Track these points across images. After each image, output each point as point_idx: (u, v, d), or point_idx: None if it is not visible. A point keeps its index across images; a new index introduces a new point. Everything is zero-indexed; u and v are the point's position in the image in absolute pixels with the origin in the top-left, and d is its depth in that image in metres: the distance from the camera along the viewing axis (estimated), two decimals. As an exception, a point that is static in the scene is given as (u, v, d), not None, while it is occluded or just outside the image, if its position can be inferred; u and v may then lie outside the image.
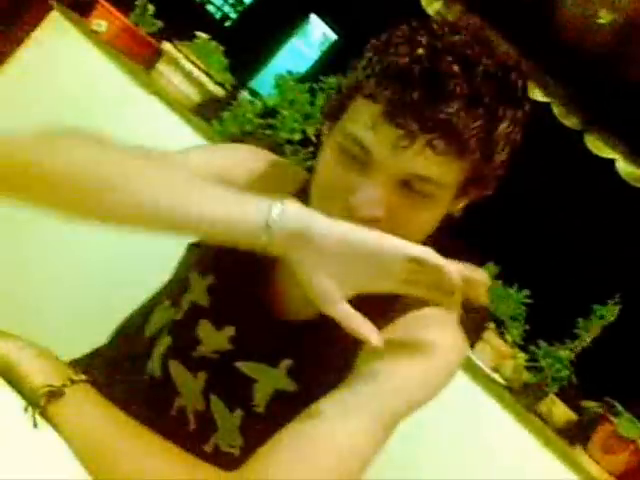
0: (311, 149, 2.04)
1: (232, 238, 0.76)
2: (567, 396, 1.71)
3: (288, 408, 0.81)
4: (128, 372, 1.00)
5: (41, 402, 0.72)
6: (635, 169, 2.71)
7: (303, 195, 0.90)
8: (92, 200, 0.79)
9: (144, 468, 0.73)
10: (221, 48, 2.06)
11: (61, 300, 1.70)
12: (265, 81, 2.14)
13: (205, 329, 0.95)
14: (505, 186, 1.12)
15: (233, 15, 2.17)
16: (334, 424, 0.77)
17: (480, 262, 1.81)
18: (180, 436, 0.77)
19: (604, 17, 2.55)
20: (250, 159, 1.03)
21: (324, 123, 0.93)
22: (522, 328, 1.77)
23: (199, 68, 1.99)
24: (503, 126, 0.81)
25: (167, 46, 1.99)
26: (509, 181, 1.13)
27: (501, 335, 1.71)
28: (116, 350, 1.08)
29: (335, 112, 0.88)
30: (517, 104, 0.83)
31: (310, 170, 0.94)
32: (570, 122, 2.82)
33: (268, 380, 0.92)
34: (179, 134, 1.88)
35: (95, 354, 1.11)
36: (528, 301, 1.77)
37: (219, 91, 2.05)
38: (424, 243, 0.86)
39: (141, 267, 1.54)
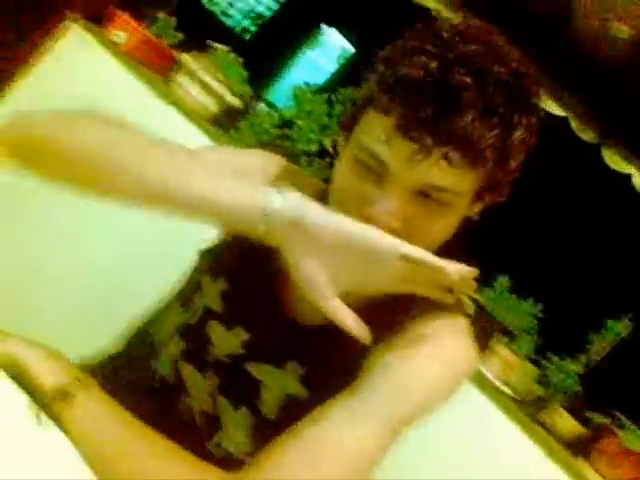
0: (327, 160, 2.05)
1: (231, 223, 0.77)
2: (573, 408, 1.70)
3: (297, 412, 0.81)
4: (136, 374, 1.02)
5: (49, 402, 0.74)
6: (652, 184, 2.70)
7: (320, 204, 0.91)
8: (103, 178, 0.81)
9: (149, 469, 0.74)
10: (239, 60, 2.08)
11: (65, 300, 1.71)
12: (282, 93, 2.15)
13: (218, 333, 0.96)
14: (520, 199, 1.12)
15: (252, 28, 2.19)
16: (341, 428, 0.77)
17: (493, 275, 1.82)
18: (186, 438, 0.79)
19: (620, 30, 2.54)
20: (267, 163, 1.04)
21: (340, 134, 0.94)
22: (533, 341, 1.76)
23: (217, 79, 2.00)
24: (518, 133, 0.81)
25: (185, 57, 2.01)
26: (524, 194, 1.13)
27: (511, 348, 1.71)
28: (126, 352, 1.10)
29: (350, 124, 0.89)
30: (531, 110, 0.83)
31: (326, 181, 0.95)
32: (587, 136, 2.81)
33: (279, 385, 0.92)
34: (196, 144, 1.88)
35: (103, 356, 1.12)
36: (540, 315, 1.77)
37: (236, 102, 2.07)
38: (440, 248, 0.88)
39: (145, 268, 1.55)
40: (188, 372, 0.97)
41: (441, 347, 0.88)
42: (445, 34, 0.82)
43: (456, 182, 0.81)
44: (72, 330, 1.44)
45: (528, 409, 1.62)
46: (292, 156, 2.09)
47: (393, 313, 0.89)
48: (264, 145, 2.03)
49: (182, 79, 2.00)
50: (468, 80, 0.77)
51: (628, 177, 2.70)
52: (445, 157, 0.78)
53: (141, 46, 1.98)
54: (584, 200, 2.93)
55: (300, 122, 2.10)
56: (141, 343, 1.05)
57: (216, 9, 2.20)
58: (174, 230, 1.43)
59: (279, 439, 0.77)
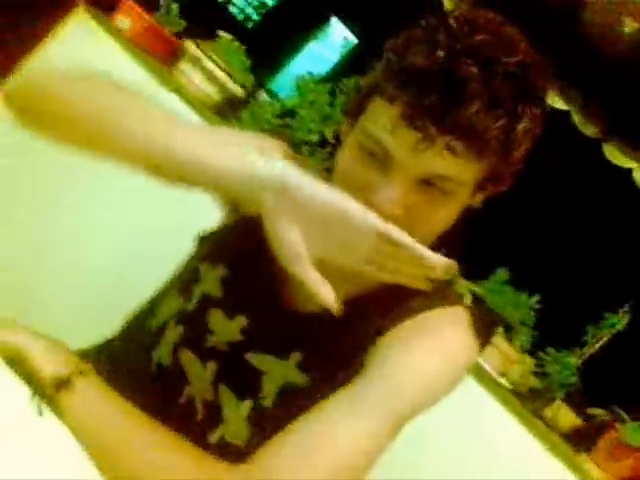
0: (328, 150, 2.05)
1: (219, 186, 0.77)
2: (573, 402, 1.70)
3: (298, 402, 0.82)
4: (136, 362, 1.02)
5: (49, 392, 0.74)
6: (653, 179, 2.70)
7: None
8: (107, 141, 0.82)
9: (150, 460, 0.75)
10: (243, 48, 2.07)
11: (68, 291, 1.72)
12: (284, 82, 2.15)
13: (217, 320, 0.96)
14: (520, 191, 1.12)
15: (256, 17, 2.18)
16: (339, 425, 0.78)
17: (491, 267, 1.82)
18: (186, 425, 0.79)
19: (628, 26, 2.53)
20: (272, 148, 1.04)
21: (344, 122, 0.94)
22: (531, 334, 1.77)
23: (220, 67, 2.00)
24: (523, 125, 0.81)
25: (189, 45, 2.00)
26: (525, 186, 1.13)
27: (509, 340, 1.71)
28: (124, 341, 1.10)
29: (355, 111, 0.89)
30: (537, 102, 0.84)
31: (328, 171, 0.95)
32: (589, 131, 2.81)
33: (278, 373, 0.92)
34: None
35: (103, 345, 1.12)
36: (538, 307, 1.77)
37: (239, 91, 2.06)
38: (441, 237, 0.88)
39: (149, 259, 1.56)
40: (188, 360, 0.97)
41: (441, 340, 0.89)
42: (453, 24, 0.82)
43: (459, 172, 0.81)
44: (74, 321, 1.44)
45: (526, 402, 1.62)
46: (293, 146, 2.07)
47: (393, 305, 0.90)
48: (266, 133, 2.01)
49: (185, 67, 1.99)
50: (475, 70, 0.77)
51: (629, 171, 2.71)
52: (449, 147, 0.79)
53: (145, 33, 1.97)
54: (584, 193, 2.93)
55: (302, 112, 2.10)
56: (139, 331, 1.05)
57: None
58: (178, 221, 1.44)
59: (279, 435, 0.78)
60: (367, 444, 0.78)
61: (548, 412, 1.67)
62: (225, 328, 0.96)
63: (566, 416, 1.68)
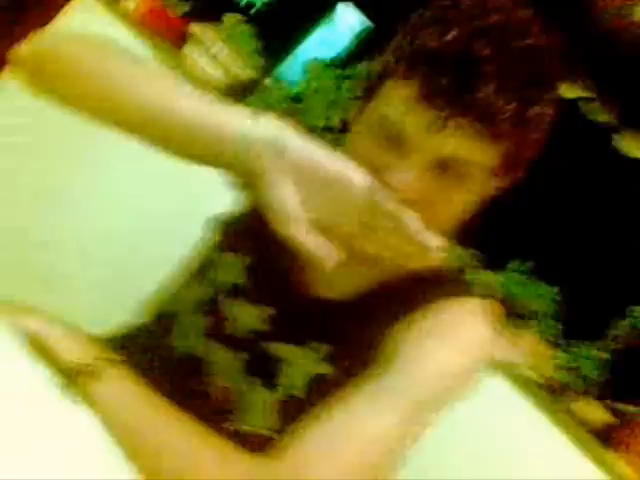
0: (335, 136, 2.04)
1: (211, 144, 0.75)
2: (599, 395, 1.68)
3: (325, 391, 0.81)
4: (154, 350, 1.00)
5: (74, 380, 0.72)
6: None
7: None
8: (110, 98, 0.81)
9: (176, 449, 0.74)
10: (250, 31, 2.05)
11: (82, 272, 1.71)
12: (293, 67, 2.13)
13: (240, 309, 0.95)
14: (537, 181, 1.10)
15: (258, 3, 2.16)
16: (364, 418, 0.76)
17: (512, 258, 1.79)
18: (206, 413, 0.77)
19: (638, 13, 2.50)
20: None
21: (354, 107, 0.92)
22: (555, 326, 1.74)
23: (227, 51, 1.98)
24: (536, 108, 0.80)
25: (195, 27, 1.98)
26: (542, 176, 1.10)
27: (534, 332, 1.69)
28: (140, 328, 1.08)
29: (367, 95, 0.88)
30: (551, 85, 0.83)
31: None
32: (600, 119, 2.77)
33: (304, 363, 0.91)
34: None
35: (123, 332, 1.10)
36: (559, 298, 1.75)
37: (246, 75, 2.04)
38: (459, 227, 0.86)
39: (166, 240, 1.54)
40: (210, 349, 0.96)
41: (459, 331, 0.87)
42: (467, 4, 0.81)
43: (474, 154, 0.80)
44: (88, 304, 1.44)
45: (552, 396, 1.59)
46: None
47: (414, 293, 0.89)
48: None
49: (191, 49, 1.97)
50: (488, 52, 0.77)
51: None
52: (463, 127, 0.78)
53: (151, 15, 1.94)
54: (601, 183, 2.90)
55: (310, 97, 2.08)
56: (158, 319, 1.04)
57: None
58: (195, 202, 1.42)
59: (302, 425, 0.76)
60: (393, 437, 0.77)
61: (576, 407, 1.64)
62: (249, 317, 0.95)
63: (595, 412, 1.65)
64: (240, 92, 2.05)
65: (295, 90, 2.11)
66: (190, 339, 0.97)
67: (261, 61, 2.09)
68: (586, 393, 1.66)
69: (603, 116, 2.71)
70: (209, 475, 0.72)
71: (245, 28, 2.08)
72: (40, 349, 0.74)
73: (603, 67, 2.72)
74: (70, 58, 0.86)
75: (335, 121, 2.05)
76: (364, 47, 2.08)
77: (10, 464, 0.58)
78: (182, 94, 0.80)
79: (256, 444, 0.77)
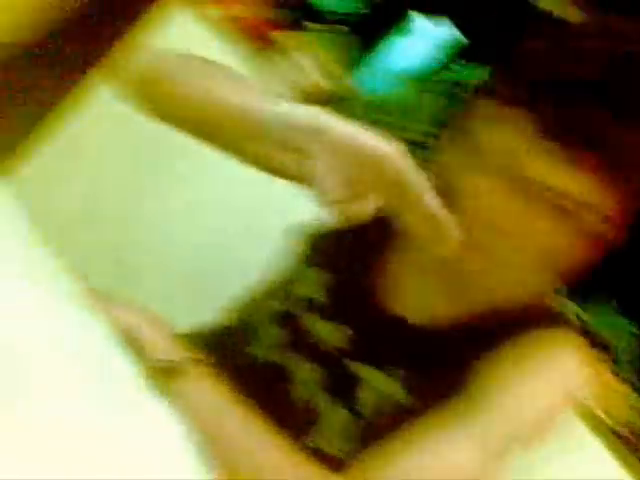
0: (416, 148, 2.01)
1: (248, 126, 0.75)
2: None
3: (398, 417, 0.80)
4: (236, 354, 1.00)
5: (161, 377, 0.73)
6: None
7: None
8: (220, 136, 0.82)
9: (255, 456, 0.75)
10: (334, 40, 2.05)
11: (164, 266, 1.73)
12: (372, 77, 2.13)
13: (320, 325, 0.94)
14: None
15: (348, 10, 2.17)
16: (446, 449, 0.76)
17: (594, 292, 1.72)
18: (287, 425, 0.78)
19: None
20: None
21: (448, 124, 0.89)
22: (633, 365, 1.67)
23: (310, 60, 1.98)
24: None
25: (280, 35, 1.99)
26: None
27: (610, 369, 1.62)
28: (223, 330, 1.09)
29: (462, 110, 0.85)
30: None
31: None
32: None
33: (380, 386, 0.89)
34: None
35: (204, 331, 1.11)
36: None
37: (328, 84, 2.04)
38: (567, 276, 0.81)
39: (253, 250, 1.55)
40: (290, 360, 0.95)
41: (554, 365, 0.84)
42: (595, 30, 0.77)
43: (586, 191, 0.74)
44: (169, 298, 1.46)
45: (630, 444, 1.52)
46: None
47: (501, 326, 0.85)
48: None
49: (275, 56, 1.98)
50: (624, 84, 0.72)
51: None
52: (585, 166, 0.73)
53: (236, 20, 1.96)
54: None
55: (392, 108, 2.07)
56: (237, 324, 1.04)
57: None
58: (281, 211, 1.42)
59: (381, 448, 0.75)
60: (475, 471, 0.75)
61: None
62: (328, 334, 0.94)
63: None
64: (321, 101, 2.05)
65: (377, 100, 2.10)
66: (269, 349, 0.97)
67: (344, 71, 2.08)
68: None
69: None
70: None
71: (329, 37, 2.08)
72: (132, 343, 0.76)
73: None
74: (174, 81, 0.88)
75: (417, 134, 2.03)
76: (446, 58, 2.06)
77: (91, 457, 0.58)
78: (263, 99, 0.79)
79: (326, 463, 0.77)
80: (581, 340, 0.89)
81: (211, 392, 0.78)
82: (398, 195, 0.69)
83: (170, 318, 0.86)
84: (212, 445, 0.71)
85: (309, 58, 1.99)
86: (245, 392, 0.81)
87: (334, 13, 2.17)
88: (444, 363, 0.87)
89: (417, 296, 0.91)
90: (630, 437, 1.58)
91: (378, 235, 0.94)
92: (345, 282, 0.96)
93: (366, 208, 0.70)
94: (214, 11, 1.98)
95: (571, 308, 1.60)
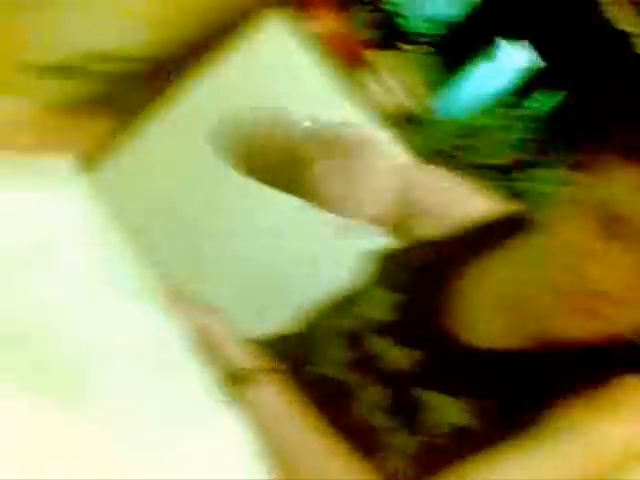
0: (501, 176, 1.99)
1: None
2: None
3: (467, 443, 0.78)
4: (299, 368, 1.00)
5: (233, 382, 0.74)
6: None
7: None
8: None
9: (318, 462, 0.76)
10: (420, 61, 2.05)
11: (247, 274, 1.75)
12: (455, 100, 2.13)
13: (385, 346, 0.92)
14: None
15: (433, 32, 2.17)
16: None
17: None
18: (352, 443, 0.78)
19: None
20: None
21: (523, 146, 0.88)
22: None
23: (400, 81, 1.98)
24: None
25: (373, 55, 2.00)
26: None
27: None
28: (290, 342, 1.08)
29: (577, 164, 0.82)
30: None
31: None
32: None
33: (449, 412, 0.86)
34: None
35: (271, 339, 1.10)
36: None
37: (416, 106, 2.03)
38: None
39: (330, 266, 1.56)
40: (353, 380, 0.93)
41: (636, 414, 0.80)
42: None
43: None
44: (246, 303, 1.48)
45: None
46: (463, 168, 2.04)
47: (588, 370, 0.81)
48: (439, 153, 1.99)
49: (366, 76, 1.99)
50: None
51: None
52: None
53: (332, 38, 1.98)
54: None
55: (478, 134, 2.05)
56: (304, 337, 1.04)
57: (396, 9, 2.19)
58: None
59: (452, 474, 0.74)
60: None
61: None
62: (395, 356, 0.91)
63: None
64: (408, 123, 2.05)
65: (459, 124, 2.08)
66: (334, 366, 0.96)
67: (427, 92, 2.08)
68: None
69: None
70: None
71: (416, 58, 2.08)
72: (206, 347, 0.77)
73: None
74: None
75: (504, 160, 2.00)
76: (530, 85, 2.04)
77: (159, 454, 0.61)
78: None
79: None
80: None
81: (280, 400, 0.78)
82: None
83: (244, 323, 0.88)
84: (276, 450, 0.72)
85: (396, 78, 1.99)
86: (313, 400, 0.82)
87: (420, 35, 2.17)
88: (516, 394, 0.83)
89: (490, 325, 0.88)
90: None
91: (452, 259, 0.93)
92: (413, 303, 0.94)
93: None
94: (309, 27, 2.01)
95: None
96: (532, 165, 1.99)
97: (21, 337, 0.58)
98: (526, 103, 2.01)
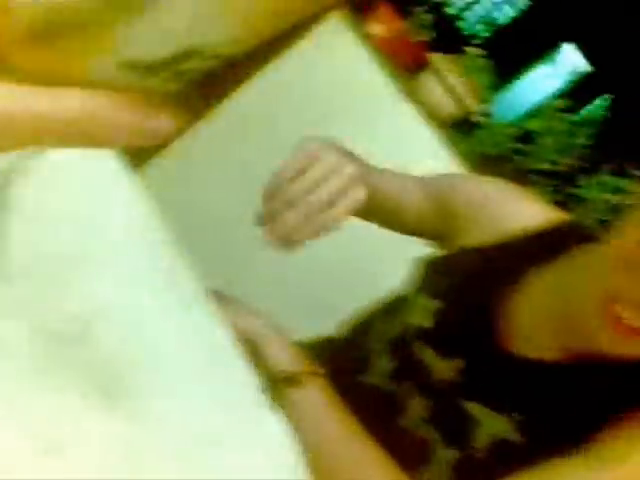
0: (560, 182, 1.96)
1: None
2: None
3: (510, 459, 0.76)
4: (344, 374, 1.00)
5: (277, 386, 0.75)
6: None
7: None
8: None
9: (359, 468, 0.76)
10: (483, 66, 2.03)
11: (295, 277, 1.76)
12: (512, 103, 2.11)
13: (429, 355, 0.90)
14: None
15: (484, 34, 2.14)
16: None
17: None
18: (395, 452, 0.78)
19: None
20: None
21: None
22: None
23: (462, 84, 1.96)
24: None
25: (435, 57, 1.99)
26: None
27: None
28: (336, 347, 1.07)
29: None
30: None
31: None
32: None
33: (491, 425, 0.83)
34: (428, 145, 1.88)
35: (317, 342, 1.10)
36: None
37: (477, 109, 2.01)
38: None
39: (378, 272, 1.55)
40: (399, 390, 0.91)
41: None
42: None
43: None
44: (292, 307, 1.49)
45: None
46: (519, 173, 2.01)
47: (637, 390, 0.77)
48: (496, 157, 1.97)
49: (428, 78, 1.98)
50: None
51: None
52: None
53: (394, 40, 1.98)
54: None
55: (538, 139, 2.01)
56: (352, 345, 1.03)
57: (456, 12, 2.17)
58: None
59: None
60: None
61: None
62: (439, 366, 0.89)
63: None
64: (467, 126, 2.04)
65: (514, 128, 2.06)
66: (380, 375, 0.94)
67: (485, 95, 2.06)
68: None
69: None
70: None
71: (483, 63, 2.06)
72: (252, 349, 0.78)
73: None
74: None
75: (563, 166, 1.97)
76: (587, 91, 2.00)
77: (201, 454, 0.62)
78: None
79: None
80: None
81: (322, 404, 0.78)
82: None
83: (289, 326, 0.88)
84: (316, 455, 0.72)
85: (456, 81, 1.98)
86: (356, 407, 0.81)
87: (478, 37, 2.15)
88: (563, 410, 0.80)
89: (540, 336, 0.85)
90: None
91: (502, 268, 0.92)
92: (455, 310, 0.92)
93: None
94: (374, 28, 2.01)
95: None
96: (589, 171, 1.96)
97: (75, 335, 0.60)
98: (583, 107, 1.99)
